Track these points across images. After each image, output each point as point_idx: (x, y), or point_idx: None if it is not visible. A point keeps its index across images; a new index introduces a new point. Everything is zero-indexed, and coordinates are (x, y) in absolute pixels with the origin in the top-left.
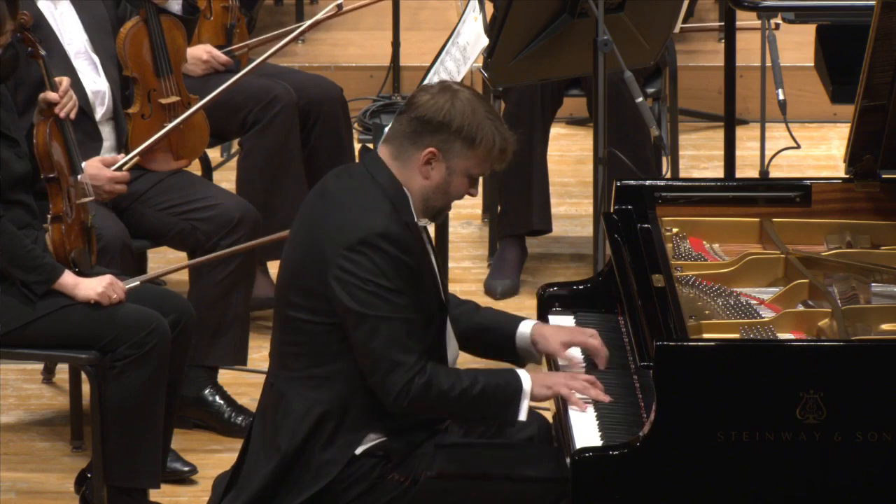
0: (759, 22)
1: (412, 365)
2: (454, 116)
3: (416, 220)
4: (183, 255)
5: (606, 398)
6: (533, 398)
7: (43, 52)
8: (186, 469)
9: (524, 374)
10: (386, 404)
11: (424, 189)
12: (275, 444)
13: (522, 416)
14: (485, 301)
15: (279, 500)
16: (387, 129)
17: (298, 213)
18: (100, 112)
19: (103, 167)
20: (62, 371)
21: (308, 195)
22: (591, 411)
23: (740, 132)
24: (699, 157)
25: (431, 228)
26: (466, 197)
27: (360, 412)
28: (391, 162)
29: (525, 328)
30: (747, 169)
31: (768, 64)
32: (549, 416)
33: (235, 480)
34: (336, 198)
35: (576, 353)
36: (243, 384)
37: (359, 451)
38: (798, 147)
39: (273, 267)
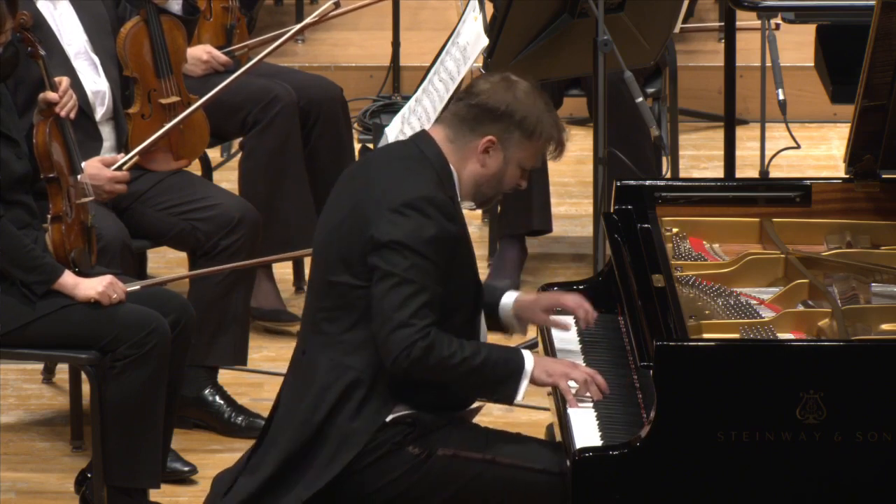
0: (759, 22)
1: (419, 329)
2: (517, 107)
3: (459, 198)
4: (183, 255)
5: (601, 395)
6: (533, 380)
7: (43, 52)
8: (186, 469)
9: (528, 355)
10: (386, 363)
11: (478, 176)
12: (302, 411)
13: (520, 397)
14: None
15: (304, 470)
16: (442, 111)
17: (338, 181)
18: (100, 112)
19: (103, 167)
20: (62, 371)
21: (350, 166)
22: (591, 411)
23: (740, 132)
24: (699, 157)
25: None
26: None
27: (391, 382)
28: (444, 143)
29: (508, 299)
30: (747, 169)
31: (768, 64)
32: (549, 416)
33: (256, 452)
34: (382, 165)
35: (572, 336)
36: (243, 384)
37: (389, 418)
38: (798, 147)
39: (277, 270)
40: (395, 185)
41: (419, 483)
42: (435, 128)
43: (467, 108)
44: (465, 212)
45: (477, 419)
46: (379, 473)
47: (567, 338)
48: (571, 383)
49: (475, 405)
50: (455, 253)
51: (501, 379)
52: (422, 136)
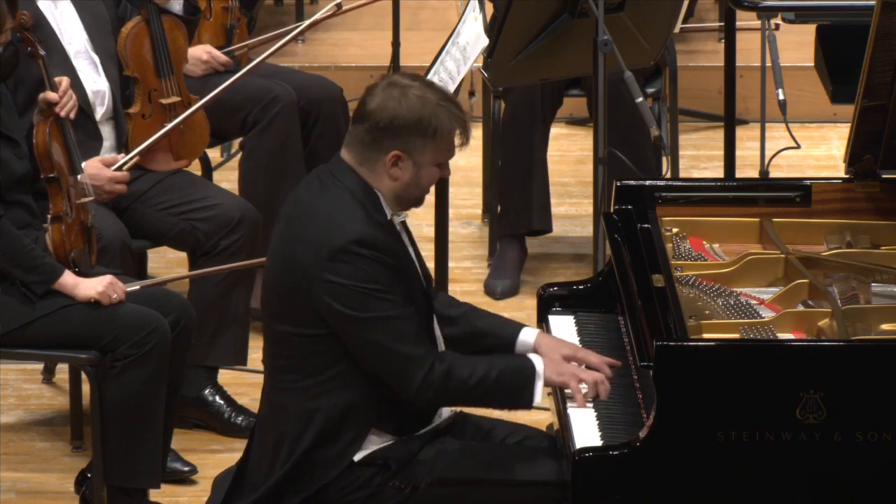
0: (759, 22)
1: (425, 355)
2: (409, 115)
3: (389, 218)
4: (183, 255)
5: (607, 396)
6: (545, 382)
7: (42, 52)
8: (186, 469)
9: (537, 358)
10: (409, 399)
11: (395, 188)
12: (277, 454)
13: (538, 399)
14: (484, 301)
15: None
16: (346, 135)
17: (275, 228)
18: (100, 112)
19: (103, 167)
20: (62, 371)
21: (282, 208)
22: (591, 411)
23: (740, 132)
24: (699, 157)
25: (431, 228)
26: (466, 197)
27: (360, 415)
28: (357, 167)
29: (527, 336)
30: (747, 169)
31: (768, 64)
32: (549, 416)
33: (240, 490)
34: (308, 209)
35: (572, 336)
36: (243, 384)
37: (358, 457)
38: (798, 147)
39: None
40: (325, 232)
41: None
42: (346, 151)
43: (364, 131)
44: (464, 212)
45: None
46: None
47: (566, 338)
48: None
49: (444, 415)
50: (401, 279)
51: (517, 389)
52: (339, 167)
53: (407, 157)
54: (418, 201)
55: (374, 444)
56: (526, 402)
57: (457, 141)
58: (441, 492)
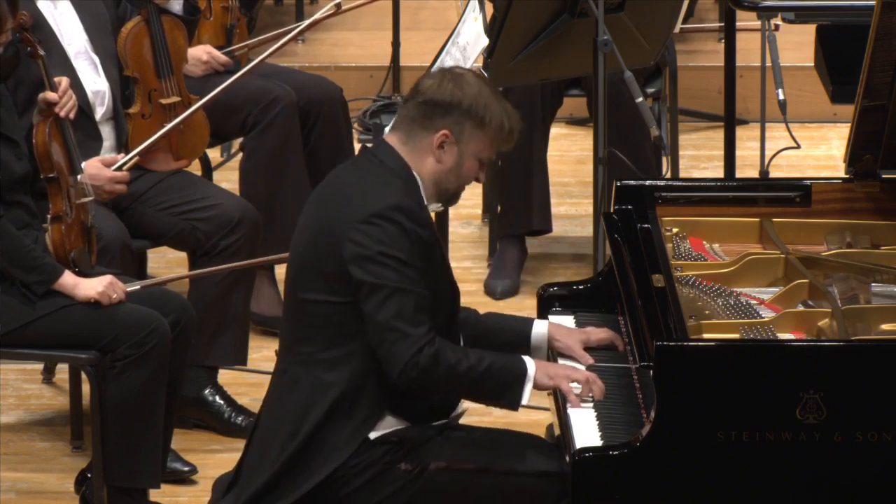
0: (759, 22)
1: (420, 337)
2: (463, 98)
3: (426, 203)
4: (183, 255)
5: (602, 395)
6: (535, 384)
7: (42, 52)
8: (186, 469)
9: (529, 360)
10: (392, 376)
11: (438, 172)
12: (287, 429)
13: (524, 401)
14: (485, 301)
15: (290, 483)
16: (394, 117)
17: (306, 205)
18: (100, 112)
19: (103, 167)
20: (62, 371)
21: (316, 188)
22: (591, 411)
23: (740, 132)
24: (699, 157)
25: None
26: (467, 197)
27: (376, 393)
28: (400, 147)
29: (541, 328)
30: (747, 169)
31: (768, 64)
32: (549, 416)
33: (240, 471)
34: (345, 182)
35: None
36: (243, 384)
37: (373, 435)
38: (798, 147)
39: (279, 272)
40: (362, 199)
41: (415, 499)
42: (390, 134)
43: (416, 107)
44: (464, 212)
45: (477, 420)
46: (372, 494)
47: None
48: (574, 384)
49: (459, 409)
50: (429, 258)
51: (506, 385)
52: (381, 147)
53: (454, 141)
54: (454, 197)
55: (390, 424)
56: (512, 401)
57: (500, 141)
58: (447, 476)
